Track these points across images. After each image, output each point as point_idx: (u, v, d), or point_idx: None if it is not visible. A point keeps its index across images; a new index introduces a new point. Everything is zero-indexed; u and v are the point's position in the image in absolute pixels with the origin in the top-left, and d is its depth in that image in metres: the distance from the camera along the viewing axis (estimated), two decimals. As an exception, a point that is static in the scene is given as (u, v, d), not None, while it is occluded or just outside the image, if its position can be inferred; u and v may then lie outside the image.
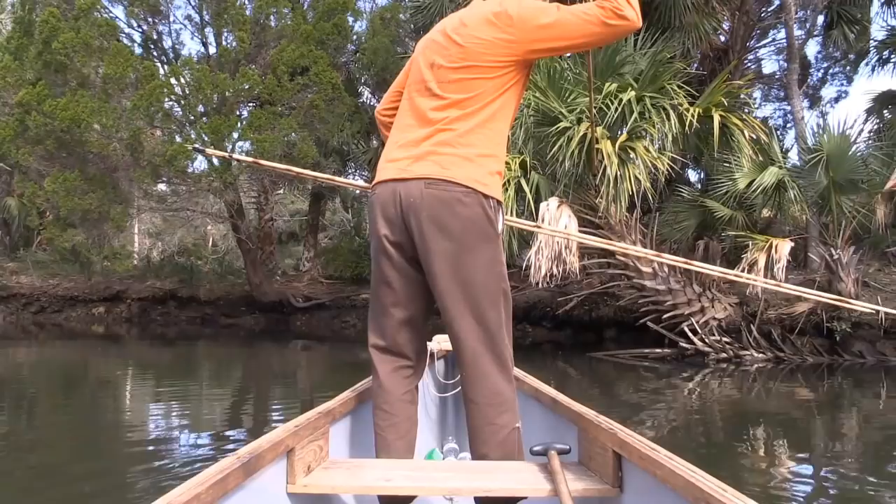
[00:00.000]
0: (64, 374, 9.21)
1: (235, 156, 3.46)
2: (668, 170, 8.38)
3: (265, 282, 16.78)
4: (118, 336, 15.14)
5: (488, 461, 2.08)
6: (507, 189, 8.56)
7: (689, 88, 8.53)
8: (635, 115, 8.19)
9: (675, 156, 8.42)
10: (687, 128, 8.15)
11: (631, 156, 8.09)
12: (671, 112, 8.19)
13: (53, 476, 3.84)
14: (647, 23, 10.09)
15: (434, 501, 2.10)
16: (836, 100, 18.61)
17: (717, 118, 8.32)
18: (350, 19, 15.35)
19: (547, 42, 2.11)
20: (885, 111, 12.46)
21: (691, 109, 8.29)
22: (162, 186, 15.46)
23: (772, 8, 15.01)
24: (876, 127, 11.80)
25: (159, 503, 1.29)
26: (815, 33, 14.19)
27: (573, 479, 1.88)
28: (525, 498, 1.88)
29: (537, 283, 8.94)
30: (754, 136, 8.78)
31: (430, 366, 3.10)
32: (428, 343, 2.44)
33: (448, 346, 3.06)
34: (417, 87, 2.23)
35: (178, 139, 13.25)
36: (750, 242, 8.56)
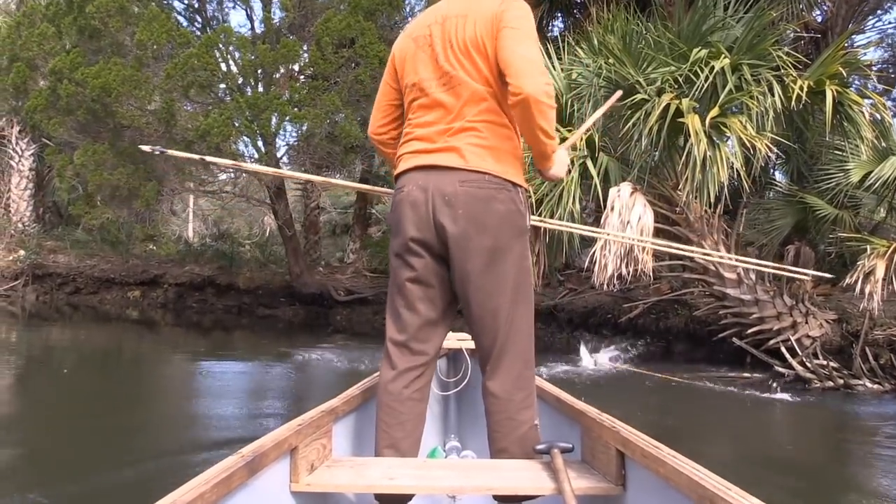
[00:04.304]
0: (93, 358, 9.19)
1: (209, 158, 3.30)
2: (765, 156, 6.93)
3: (306, 272, 15.85)
4: (153, 322, 15.10)
5: (492, 460, 2.11)
6: (570, 172, 7.23)
7: (797, 55, 7.03)
8: (730, 86, 6.76)
9: (777, 137, 6.93)
10: (794, 102, 6.67)
11: (725, 135, 6.65)
12: (774, 84, 6.72)
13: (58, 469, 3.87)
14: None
15: (435, 499, 2.09)
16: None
17: (830, 93, 6.80)
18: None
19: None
20: None
21: (799, 81, 6.80)
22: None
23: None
24: None
25: (164, 502, 1.31)
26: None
27: (576, 478, 1.88)
28: (531, 497, 1.87)
29: (601, 286, 7.61)
30: (878, 117, 7.21)
31: None
32: None
33: (450, 344, 3.05)
34: (428, 82, 2.18)
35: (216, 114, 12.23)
36: (868, 247, 7.00)
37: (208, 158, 3.29)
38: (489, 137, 2.09)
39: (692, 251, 6.94)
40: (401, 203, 2.18)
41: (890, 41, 13.41)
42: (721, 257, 7.33)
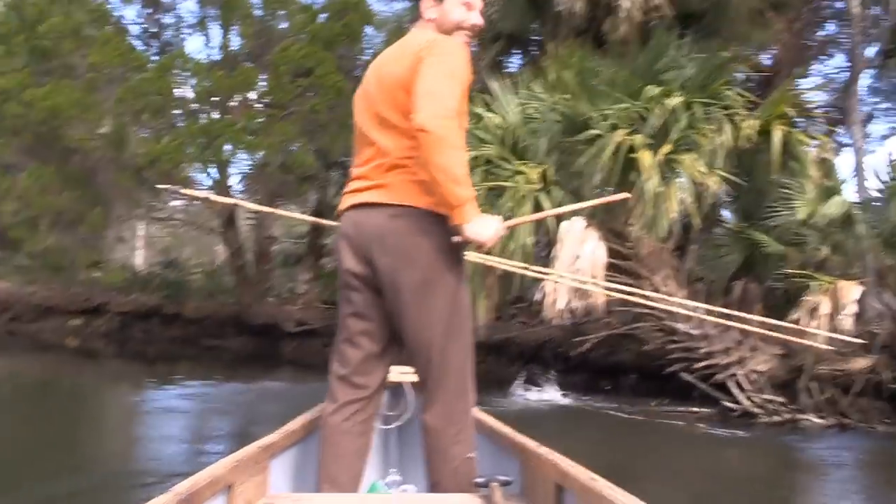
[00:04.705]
0: (25, 390, 8.83)
1: (213, 197, 3.54)
2: (716, 193, 7.07)
3: (256, 302, 15.58)
4: (94, 352, 14.49)
5: (431, 494, 2.14)
6: (522, 205, 7.26)
7: (748, 95, 7.23)
8: (682, 123, 6.89)
9: (727, 175, 7.07)
10: (745, 141, 6.83)
11: (677, 171, 6.76)
12: (725, 122, 6.88)
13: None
14: (693, 31, 8.90)
15: None
16: (886, 137, 17.27)
17: (778, 132, 6.99)
18: (369, 30, 14.34)
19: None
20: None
21: (749, 121, 6.97)
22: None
23: (821, 34, 13.86)
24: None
25: None
26: (867, 65, 12.95)
27: None
28: None
29: (552, 319, 7.62)
30: (822, 157, 7.43)
31: None
32: None
33: (392, 377, 2.92)
34: (366, 124, 2.23)
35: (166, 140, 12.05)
36: (813, 283, 7.15)
37: (213, 197, 3.38)
38: (418, 172, 2.06)
39: (666, 299, 6.99)
40: (339, 239, 2.24)
41: (833, 85, 13.92)
42: (696, 308, 7.34)
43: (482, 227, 2.04)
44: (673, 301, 6.99)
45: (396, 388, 3.19)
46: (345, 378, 2.22)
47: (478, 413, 2.53)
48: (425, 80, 2.01)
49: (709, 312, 8.15)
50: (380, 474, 2.97)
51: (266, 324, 15.40)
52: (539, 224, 7.60)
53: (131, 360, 13.53)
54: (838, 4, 13.32)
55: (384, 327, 2.22)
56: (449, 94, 2.00)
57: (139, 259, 25.08)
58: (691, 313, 7.39)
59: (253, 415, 7.57)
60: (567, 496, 1.81)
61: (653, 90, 7.20)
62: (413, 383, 2.90)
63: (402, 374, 3.03)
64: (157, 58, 13.11)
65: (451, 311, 2.13)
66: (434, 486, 2.15)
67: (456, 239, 2.05)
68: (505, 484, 1.95)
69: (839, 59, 14.77)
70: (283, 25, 13.11)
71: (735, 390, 7.73)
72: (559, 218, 7.07)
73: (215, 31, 13.62)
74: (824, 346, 6.64)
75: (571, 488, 1.75)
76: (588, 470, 1.74)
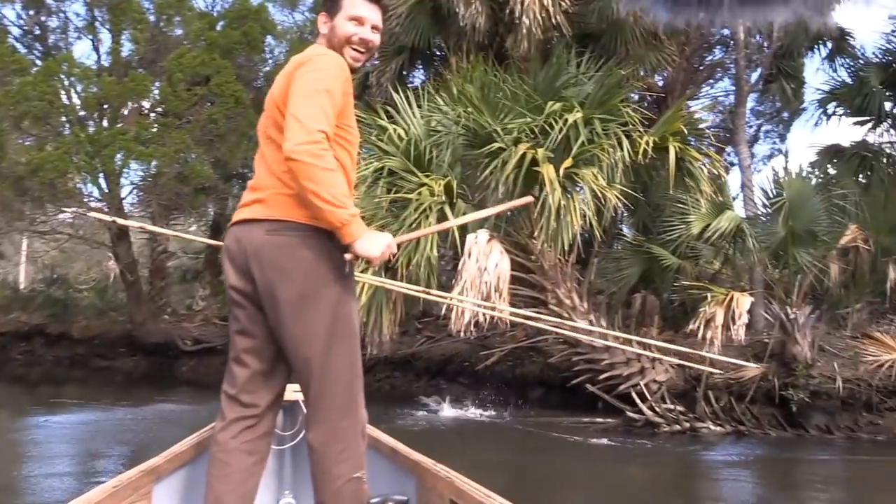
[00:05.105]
0: None
1: (121, 221, 3.58)
2: (615, 207, 7.20)
3: (150, 320, 14.86)
4: None
5: None
6: (427, 217, 7.18)
7: (644, 111, 7.42)
8: (582, 138, 7.00)
9: (626, 189, 7.22)
10: (641, 157, 6.99)
11: (578, 185, 6.85)
12: (623, 138, 7.03)
13: None
14: (591, 50, 9.10)
15: None
16: (770, 157, 18.20)
17: (673, 149, 7.20)
18: (270, 40, 14.01)
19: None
20: (828, 165, 11.87)
21: (645, 137, 7.15)
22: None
23: (710, 59, 14.52)
24: (820, 181, 11.12)
25: None
26: (752, 89, 13.64)
27: None
28: None
29: (458, 333, 7.56)
30: (714, 173, 7.71)
31: None
32: None
33: (286, 395, 2.79)
34: (260, 139, 2.25)
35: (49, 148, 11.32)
36: (709, 295, 7.38)
37: (185, 235, 3.10)
38: (294, 186, 2.03)
39: (564, 323, 7.01)
40: (223, 256, 2.21)
41: (719, 108, 14.59)
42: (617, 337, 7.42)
43: (370, 244, 2.03)
44: (573, 326, 7.07)
45: (290, 407, 3.10)
46: (233, 397, 2.17)
47: (372, 431, 2.48)
48: (292, 100, 2.01)
49: (611, 336, 8.33)
50: (273, 497, 2.90)
51: (160, 342, 14.73)
52: (445, 237, 7.55)
53: (11, 383, 12.65)
54: (724, 31, 14.00)
55: (270, 344, 2.16)
56: (314, 114, 1.97)
57: (21, 276, 23.62)
58: (595, 340, 7.50)
59: (146, 440, 7.14)
60: None
61: (553, 105, 7.28)
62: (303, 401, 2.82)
63: (294, 392, 2.93)
64: (40, 62, 12.34)
65: (331, 325, 2.08)
66: None
67: (347, 256, 2.03)
68: (401, 503, 1.96)
69: (725, 83, 15.56)
70: (179, 32, 12.62)
71: (637, 401, 7.86)
72: (463, 229, 7.03)
73: (105, 35, 12.98)
74: (716, 371, 6.88)
75: None
76: (483, 487, 1.74)
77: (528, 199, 3.64)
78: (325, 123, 1.98)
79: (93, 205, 13.02)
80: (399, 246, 2.29)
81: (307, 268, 2.05)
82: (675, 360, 7.40)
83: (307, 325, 2.07)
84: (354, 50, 2.22)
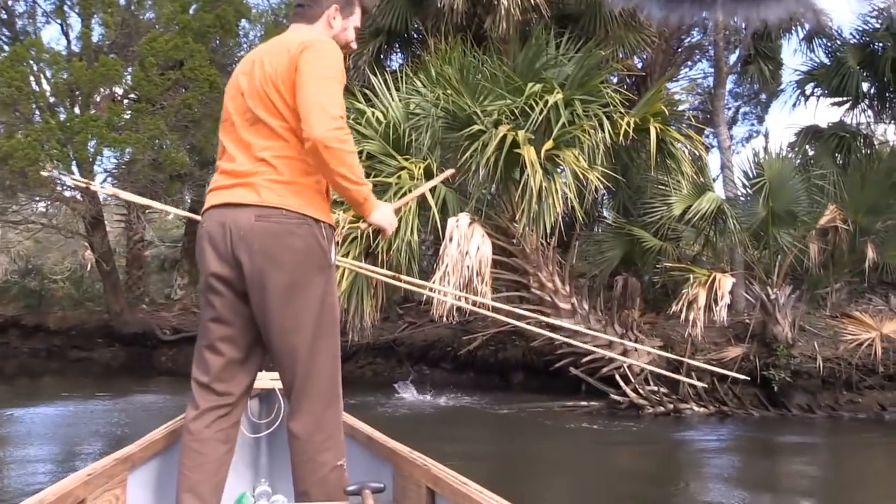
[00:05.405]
0: None
1: (110, 189, 3.28)
2: (596, 189, 7.15)
3: (127, 310, 14.64)
4: None
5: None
6: (397, 231, 7.09)
7: (626, 92, 7.35)
8: (563, 119, 6.92)
9: (607, 171, 7.16)
10: (622, 138, 6.93)
11: (559, 167, 6.78)
12: (604, 119, 6.96)
13: None
14: (570, 31, 9.01)
15: None
16: (748, 139, 18.26)
17: (654, 130, 7.14)
18: (245, 23, 13.76)
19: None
20: (807, 146, 11.89)
21: (626, 118, 7.09)
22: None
23: (688, 41, 14.49)
24: (798, 162, 11.15)
25: None
26: (730, 71, 13.64)
27: None
28: None
29: (440, 318, 7.50)
30: (696, 154, 7.67)
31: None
32: None
33: (262, 384, 2.92)
34: (237, 119, 2.17)
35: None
36: (691, 276, 7.36)
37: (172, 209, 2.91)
38: (285, 173, 2.06)
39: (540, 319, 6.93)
40: (201, 239, 2.15)
41: (699, 90, 14.58)
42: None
43: (384, 215, 2.19)
44: (558, 324, 7.02)
45: (267, 395, 3.09)
46: (206, 385, 2.15)
47: (349, 419, 2.51)
48: (309, 86, 2.03)
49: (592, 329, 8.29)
50: (249, 485, 2.88)
51: (139, 332, 14.54)
52: (425, 221, 7.47)
53: (-16, 376, 12.42)
54: (703, 14, 13.97)
55: (247, 333, 2.15)
56: (335, 101, 2.04)
57: (-3, 267, 23.22)
58: (582, 345, 7.46)
59: (126, 432, 7.00)
60: (439, 501, 1.81)
61: (534, 87, 7.20)
62: (281, 390, 2.77)
63: (271, 380, 2.94)
64: (8, 48, 12.03)
65: (318, 314, 2.09)
66: (301, 496, 2.09)
67: (362, 226, 2.20)
68: (377, 491, 1.93)
69: (703, 65, 15.56)
70: (151, 16, 12.36)
71: (621, 383, 7.85)
72: (444, 213, 6.96)
73: (75, 19, 12.68)
74: (699, 384, 6.89)
75: (443, 493, 1.75)
76: (459, 474, 1.75)
77: (450, 171, 3.81)
78: (342, 109, 2.05)
79: (67, 195, 12.79)
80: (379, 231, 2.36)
81: (298, 256, 2.05)
82: (657, 352, 7.41)
83: (296, 314, 2.06)
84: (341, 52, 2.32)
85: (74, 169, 11.84)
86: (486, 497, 1.59)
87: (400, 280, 4.26)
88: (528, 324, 5.79)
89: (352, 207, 2.26)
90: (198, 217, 3.02)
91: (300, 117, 2.03)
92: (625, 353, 8.54)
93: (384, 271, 4.44)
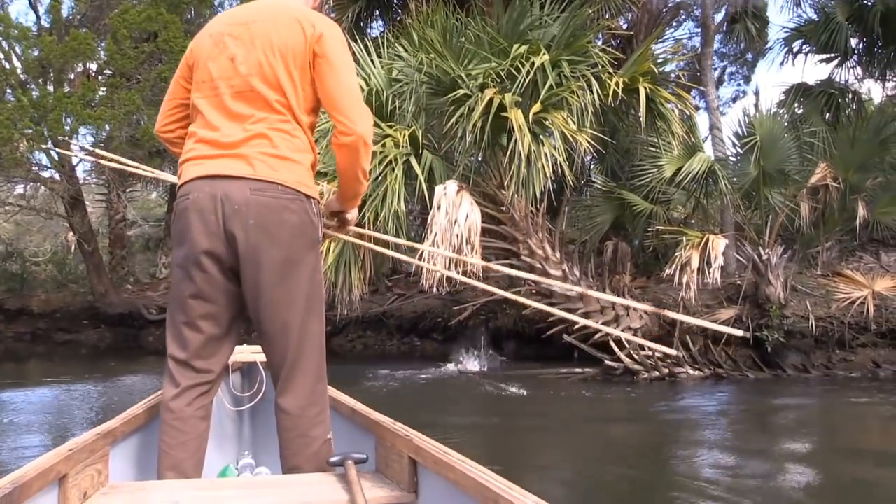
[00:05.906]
0: None
1: (99, 152, 3.40)
2: (585, 152, 6.99)
3: (112, 291, 14.44)
4: None
5: (284, 475, 2.06)
6: (393, 170, 6.92)
7: (614, 52, 7.16)
8: (550, 81, 6.73)
9: (596, 133, 7.00)
10: (611, 99, 6.76)
11: (548, 130, 6.61)
12: (592, 80, 6.78)
13: None
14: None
15: None
16: (734, 100, 18.15)
17: (643, 90, 6.97)
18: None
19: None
20: (795, 104, 11.76)
21: (615, 78, 6.91)
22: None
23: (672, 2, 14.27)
24: (788, 120, 11.03)
25: None
26: (717, 30, 13.46)
27: (370, 488, 1.88)
28: None
29: (429, 289, 7.38)
30: (686, 114, 7.51)
31: (225, 379, 2.85)
32: None
33: (244, 357, 2.96)
34: (222, 84, 2.04)
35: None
36: (684, 239, 7.25)
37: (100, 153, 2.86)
38: (280, 147, 2.00)
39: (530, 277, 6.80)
40: (186, 211, 2.01)
41: (685, 50, 14.40)
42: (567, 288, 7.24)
43: (354, 214, 2.39)
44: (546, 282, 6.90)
45: (249, 368, 3.09)
46: (184, 362, 2.10)
47: (332, 391, 2.50)
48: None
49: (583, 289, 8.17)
50: (233, 457, 2.88)
51: (125, 313, 14.39)
52: (412, 190, 7.30)
53: (-33, 362, 12.22)
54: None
55: (229, 310, 2.09)
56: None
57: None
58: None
59: (116, 413, 6.86)
60: (421, 470, 1.84)
61: (519, 48, 6.99)
62: (265, 363, 2.73)
63: (254, 353, 2.92)
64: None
65: (310, 290, 2.08)
66: (292, 471, 2.07)
67: (349, 217, 2.37)
68: (360, 461, 1.94)
69: (689, 25, 15.37)
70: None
71: (615, 348, 7.77)
72: (431, 181, 6.79)
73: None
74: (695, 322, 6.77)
75: (425, 463, 1.77)
76: (441, 444, 1.77)
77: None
78: None
79: (44, 174, 12.51)
80: (364, 202, 2.37)
81: (293, 232, 2.01)
82: (650, 308, 7.31)
83: (290, 290, 2.03)
84: None
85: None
86: (467, 466, 1.59)
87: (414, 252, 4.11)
88: (517, 294, 5.69)
89: (346, 200, 2.29)
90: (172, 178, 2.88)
91: (331, 109, 2.03)
92: (616, 319, 8.48)
93: (399, 240, 4.30)
